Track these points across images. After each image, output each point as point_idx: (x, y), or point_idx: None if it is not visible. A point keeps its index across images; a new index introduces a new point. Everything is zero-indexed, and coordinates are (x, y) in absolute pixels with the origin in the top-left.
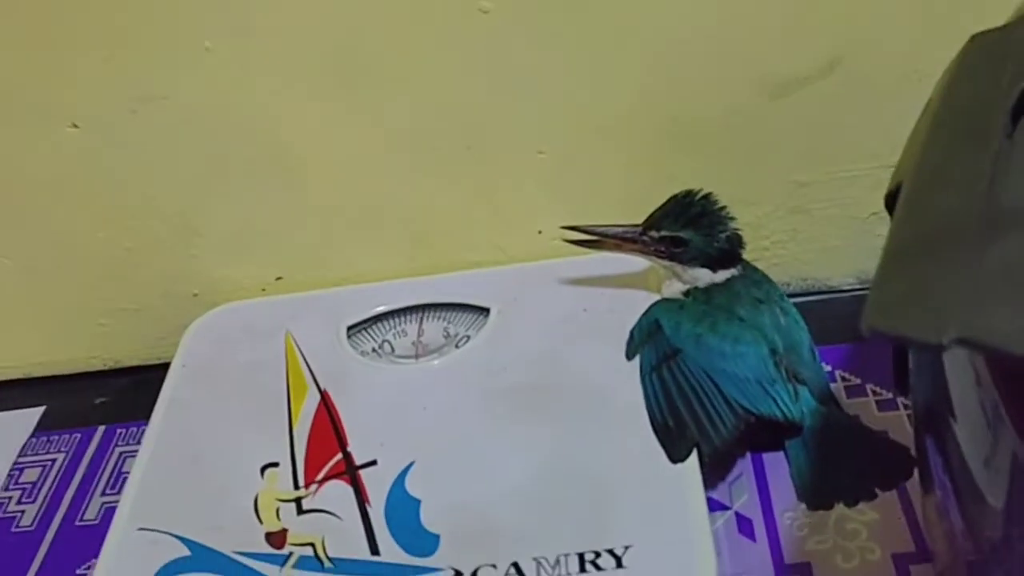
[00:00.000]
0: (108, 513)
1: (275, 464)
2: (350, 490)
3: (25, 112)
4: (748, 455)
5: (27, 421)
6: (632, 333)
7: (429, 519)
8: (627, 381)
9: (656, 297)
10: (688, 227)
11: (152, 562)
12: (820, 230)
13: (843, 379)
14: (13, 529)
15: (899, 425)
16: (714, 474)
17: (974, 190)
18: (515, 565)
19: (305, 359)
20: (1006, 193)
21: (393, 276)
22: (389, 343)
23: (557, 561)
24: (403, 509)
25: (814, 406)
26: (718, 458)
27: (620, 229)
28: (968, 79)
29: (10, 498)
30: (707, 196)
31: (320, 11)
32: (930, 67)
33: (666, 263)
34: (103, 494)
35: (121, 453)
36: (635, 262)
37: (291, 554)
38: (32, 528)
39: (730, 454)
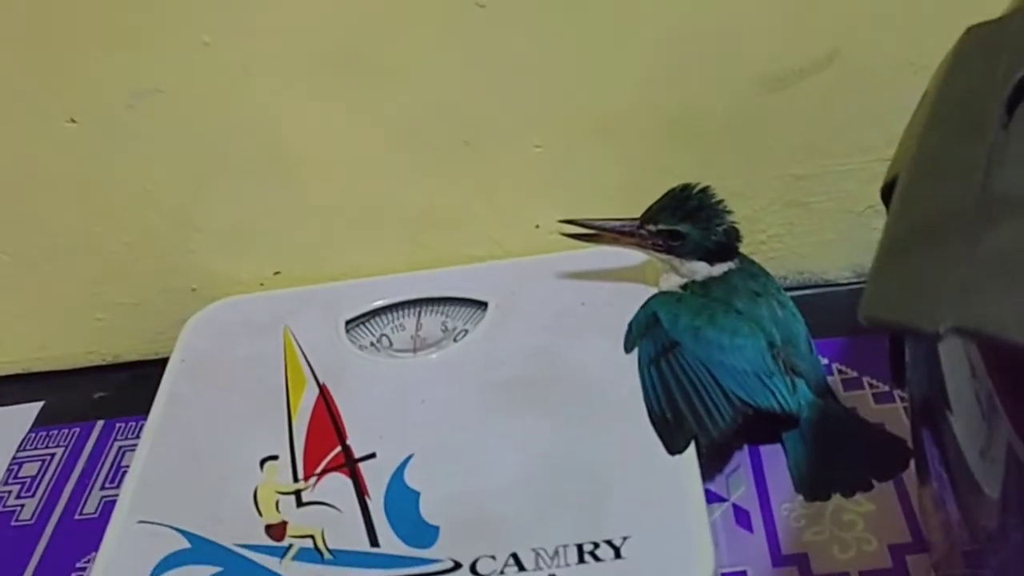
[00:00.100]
0: (107, 507)
1: (274, 457)
2: (349, 482)
3: (23, 107)
4: (745, 447)
5: (25, 416)
6: (630, 326)
7: (428, 511)
8: (625, 374)
9: (654, 291)
10: (685, 221)
11: (152, 554)
12: (816, 223)
13: (840, 372)
14: (13, 523)
15: (896, 417)
16: (712, 466)
17: (970, 181)
18: (514, 556)
19: (304, 353)
20: (1001, 183)
21: (391, 271)
22: (387, 337)
23: (556, 552)
24: (402, 501)
25: (811, 399)
26: (716, 450)
27: (617, 223)
28: (964, 71)
29: (9, 492)
30: (704, 190)
31: (318, 5)
32: (926, 59)
33: (663, 257)
34: (102, 488)
35: (120, 447)
36: (632, 256)
37: (291, 546)
38: (32, 522)
39: (728, 446)
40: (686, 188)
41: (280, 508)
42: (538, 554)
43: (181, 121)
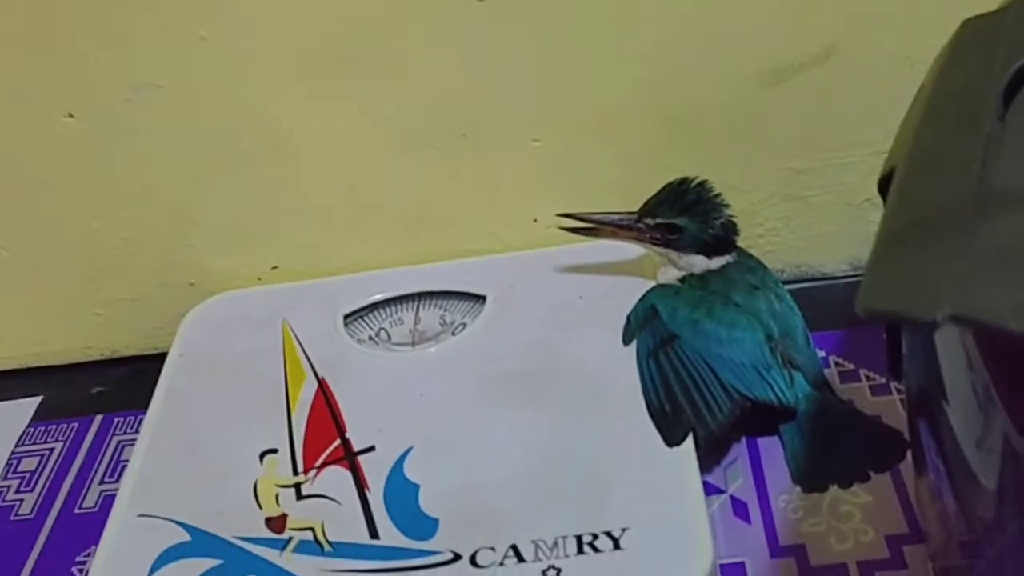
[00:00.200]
0: (107, 501)
1: (274, 450)
2: (349, 475)
3: (20, 102)
4: (743, 439)
5: (24, 411)
6: (629, 319)
7: (428, 503)
8: (623, 367)
9: (652, 284)
10: (683, 214)
11: (152, 548)
12: (814, 217)
13: (837, 364)
14: (12, 517)
15: (892, 410)
16: (710, 458)
17: (967, 174)
18: (513, 548)
19: (302, 347)
20: (998, 175)
21: (389, 264)
22: (386, 331)
23: (555, 544)
24: (402, 494)
25: (808, 391)
26: (714, 442)
27: (616, 217)
28: (960, 64)
29: (8, 487)
30: (702, 183)
31: (316, 1)
32: (923, 54)
33: (661, 250)
34: (102, 482)
35: (119, 442)
36: (631, 249)
37: (291, 538)
38: (31, 516)
39: (726, 438)
40: (684, 182)
41: (280, 501)
42: (537, 546)
43: (179, 116)
